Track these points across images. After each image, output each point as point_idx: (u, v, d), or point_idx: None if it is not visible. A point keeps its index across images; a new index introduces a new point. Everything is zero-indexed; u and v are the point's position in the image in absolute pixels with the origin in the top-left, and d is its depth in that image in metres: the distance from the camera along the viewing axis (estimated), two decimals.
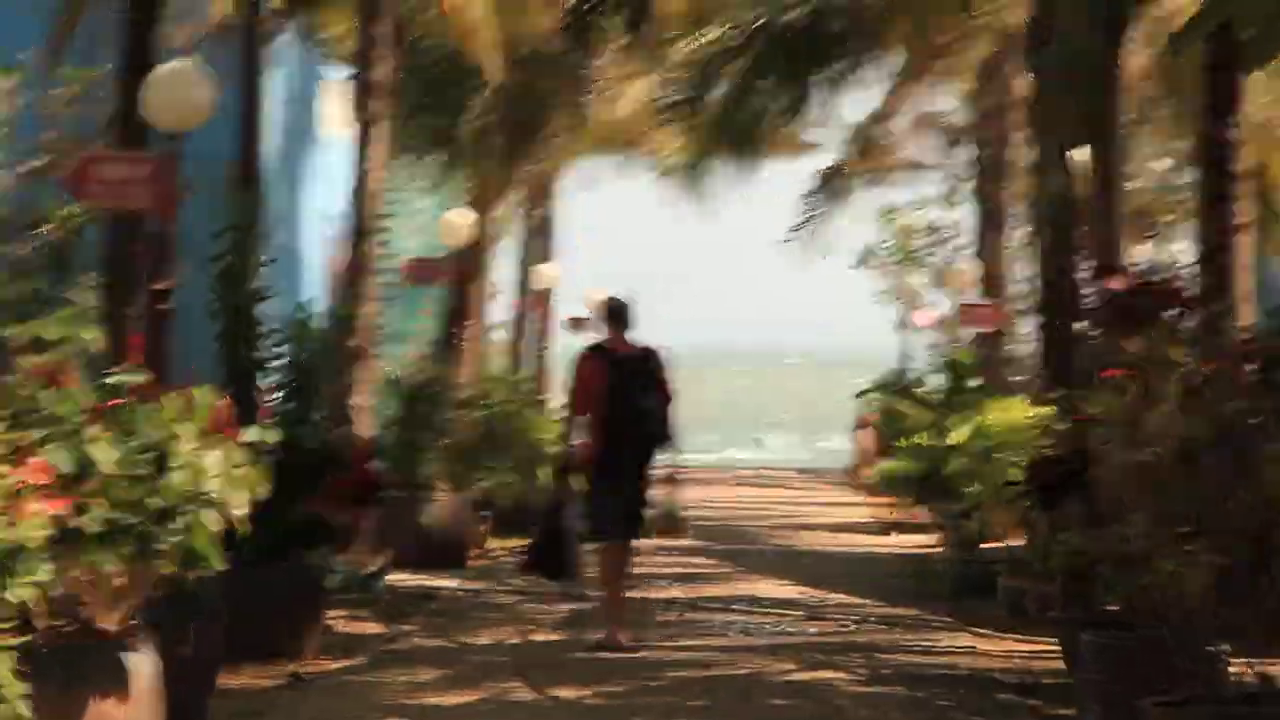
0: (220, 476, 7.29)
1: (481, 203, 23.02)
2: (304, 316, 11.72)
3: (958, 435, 13.48)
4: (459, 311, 22.49)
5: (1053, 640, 11.49)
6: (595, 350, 11.84)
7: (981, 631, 12.46)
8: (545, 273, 29.19)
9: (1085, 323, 15.01)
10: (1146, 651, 8.32)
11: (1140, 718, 7.26)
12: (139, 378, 7.76)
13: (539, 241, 30.81)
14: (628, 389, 11.52)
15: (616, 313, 11.89)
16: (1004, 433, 12.98)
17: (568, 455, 11.86)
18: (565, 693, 10.01)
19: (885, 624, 12.95)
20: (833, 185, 35.39)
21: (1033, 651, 11.63)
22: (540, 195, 29.02)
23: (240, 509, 7.46)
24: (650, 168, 28.52)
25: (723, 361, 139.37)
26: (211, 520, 7.28)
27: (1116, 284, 10.55)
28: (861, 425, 33.92)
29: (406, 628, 12.63)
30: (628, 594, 11.93)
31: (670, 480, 11.91)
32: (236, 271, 11.08)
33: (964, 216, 34.74)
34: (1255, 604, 7.26)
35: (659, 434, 11.60)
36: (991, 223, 28.24)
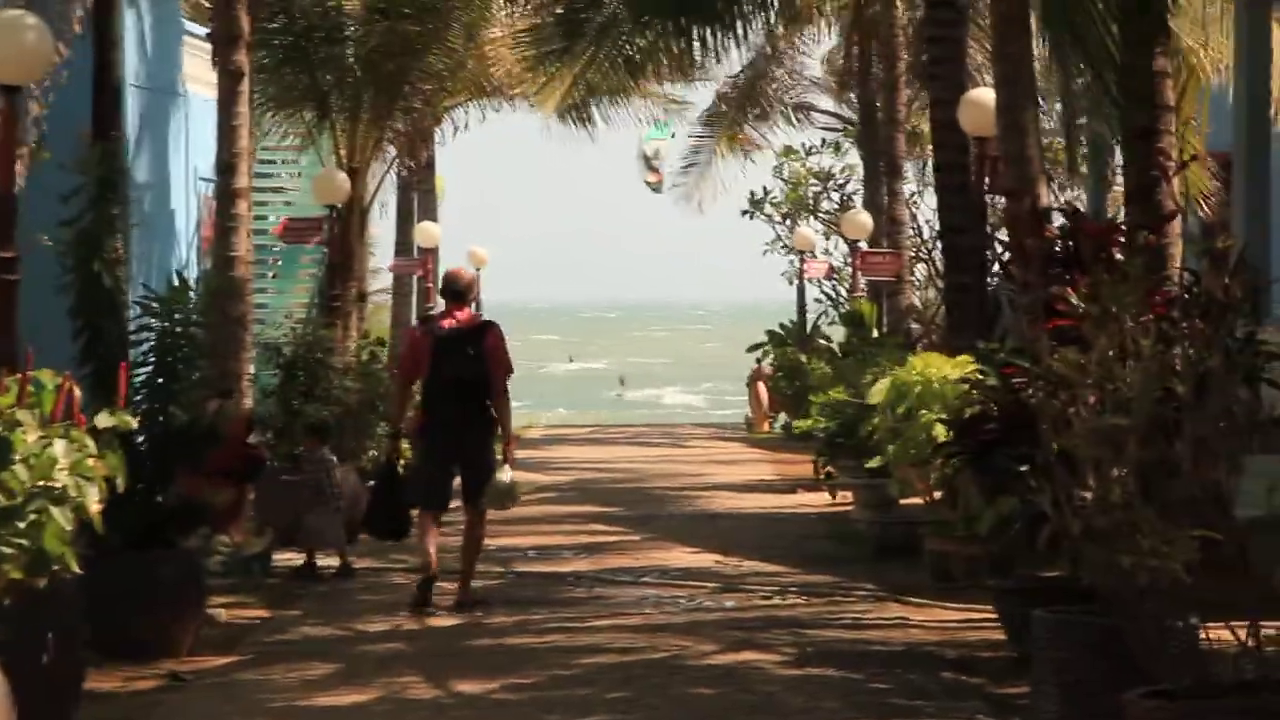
0: (69, 468, 6.34)
1: (354, 159, 21.99)
2: (171, 284, 10.64)
3: (877, 392, 12.70)
4: (338, 274, 21.48)
5: (985, 608, 10.80)
6: (424, 322, 12.64)
7: (909, 600, 11.72)
8: (427, 231, 28.25)
9: (1001, 270, 14.37)
10: (1108, 630, 7.60)
11: (1124, 710, 6.51)
12: None
13: (420, 199, 29.85)
14: (448, 362, 11.78)
15: (450, 287, 12.28)
16: (925, 389, 12.22)
17: (396, 422, 12.54)
18: (469, 687, 9.16)
19: (807, 594, 12.18)
20: (715, 127, 34.81)
21: (965, 620, 10.93)
22: (417, 149, 28.00)
23: (93, 502, 6.52)
24: (529, 115, 27.65)
25: (616, 318, 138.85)
26: (61, 517, 6.34)
27: (1049, 227, 9.81)
28: (756, 378, 33.29)
29: (294, 614, 11.73)
30: (475, 558, 11.97)
31: (506, 455, 11.98)
32: (92, 235, 10.06)
33: (856, 163, 34.28)
34: (1246, 574, 6.56)
35: (482, 409, 11.82)
36: (886, 169, 27.59)
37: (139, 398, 10.13)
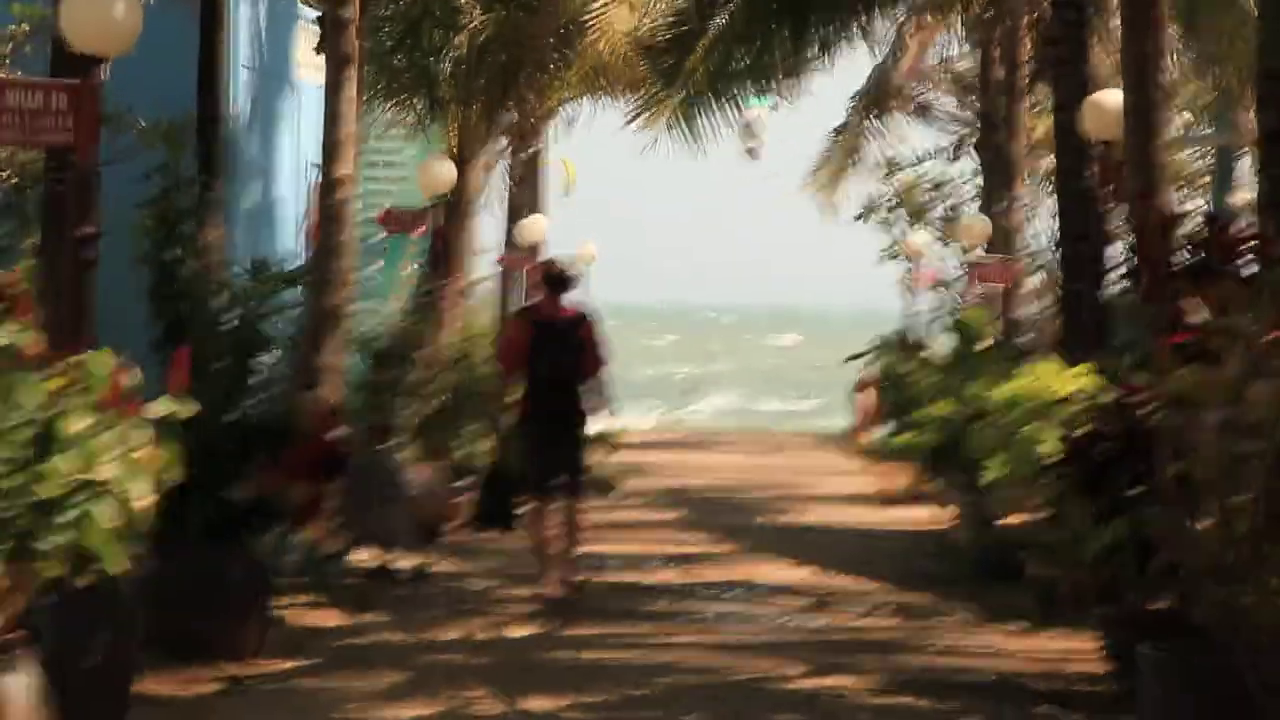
0: (117, 461, 5.94)
1: (463, 150, 21.63)
2: (254, 269, 10.26)
3: (987, 404, 12.11)
4: (439, 266, 21.14)
5: (1088, 638, 10.23)
6: (524, 313, 12.66)
7: (1008, 626, 11.15)
8: (532, 225, 27.81)
9: (1123, 281, 13.75)
10: (1219, 670, 7.05)
11: None
12: (27, 338, 6.41)
13: (526, 192, 29.45)
14: (548, 352, 11.90)
15: (550, 279, 12.36)
16: (1035, 404, 11.63)
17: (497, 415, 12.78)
18: (539, 704, 8.73)
19: (900, 615, 11.66)
20: (843, 137, 34.14)
21: (1066, 651, 10.35)
22: (526, 142, 27.62)
23: (143, 498, 6.12)
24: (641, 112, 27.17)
25: (709, 321, 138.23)
26: (106, 513, 5.95)
27: (1177, 236, 9.21)
28: (862, 387, 32.63)
29: (367, 619, 11.33)
30: (573, 551, 12.08)
31: (606, 445, 12.64)
32: (169, 218, 9.70)
33: (971, 170, 33.54)
34: None
35: (578, 397, 11.99)
36: (1001, 176, 26.90)
37: (210, 388, 9.74)
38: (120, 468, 6.19)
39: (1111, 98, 15.09)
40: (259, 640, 9.87)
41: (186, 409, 6.96)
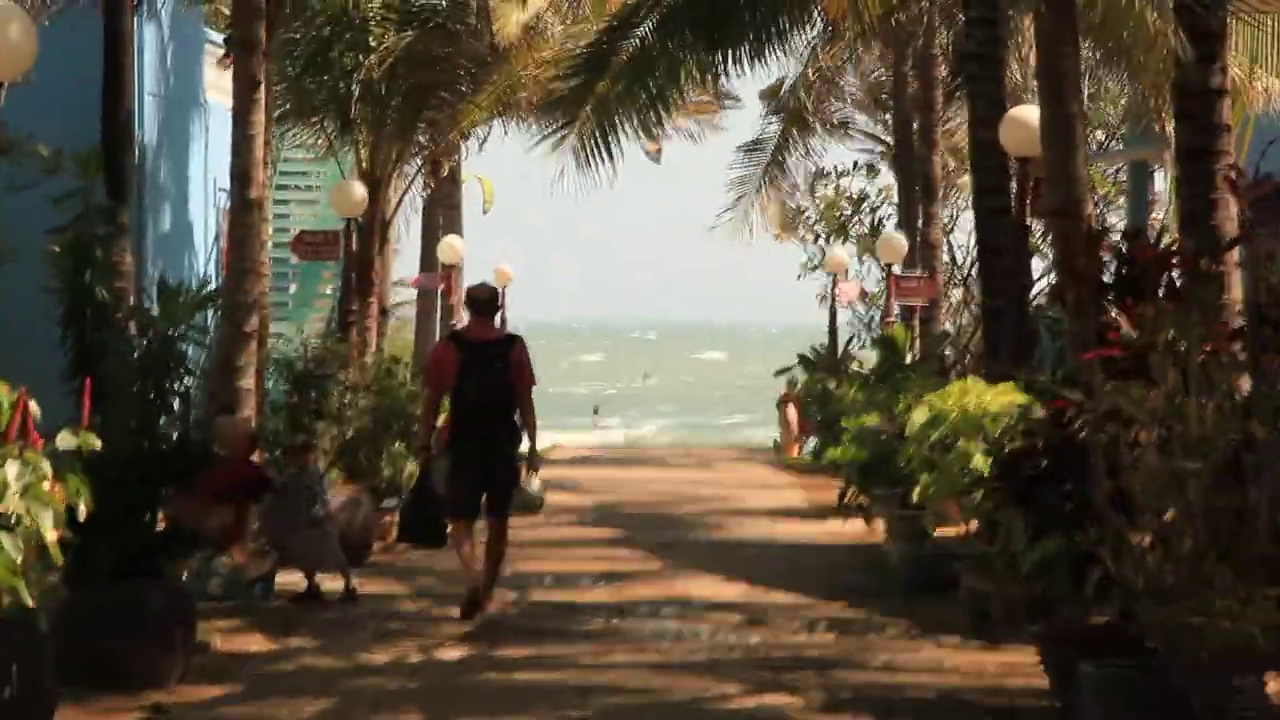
0: (21, 494, 5.71)
1: (376, 171, 21.43)
2: (161, 294, 10.01)
3: (913, 420, 12.03)
4: (357, 289, 20.91)
5: (1026, 651, 10.13)
6: (451, 337, 12.76)
7: (944, 640, 11.04)
8: (451, 246, 27.66)
9: (1044, 297, 13.72)
10: (1163, 689, 6.96)
11: None
12: None
13: (444, 213, 29.27)
14: (476, 374, 11.96)
15: (475, 300, 12.51)
16: (963, 418, 11.55)
17: (425, 434, 12.59)
18: None
19: (837, 630, 11.50)
20: (757, 154, 34.06)
21: (1006, 665, 10.23)
22: (442, 163, 27.43)
23: (50, 530, 5.88)
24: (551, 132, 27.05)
25: (633, 339, 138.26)
26: (11, 546, 5.70)
27: (1102, 250, 9.15)
28: (785, 402, 32.59)
29: (295, 643, 11.07)
30: (496, 573, 12.25)
31: (529, 465, 12.43)
32: (82, 244, 9.44)
33: (891, 185, 33.60)
34: None
35: (508, 420, 12.11)
36: (922, 191, 26.96)
37: (122, 415, 9.49)
38: (26, 501, 5.94)
39: (1029, 113, 15.07)
40: (182, 668, 9.61)
41: (91, 441, 6.72)
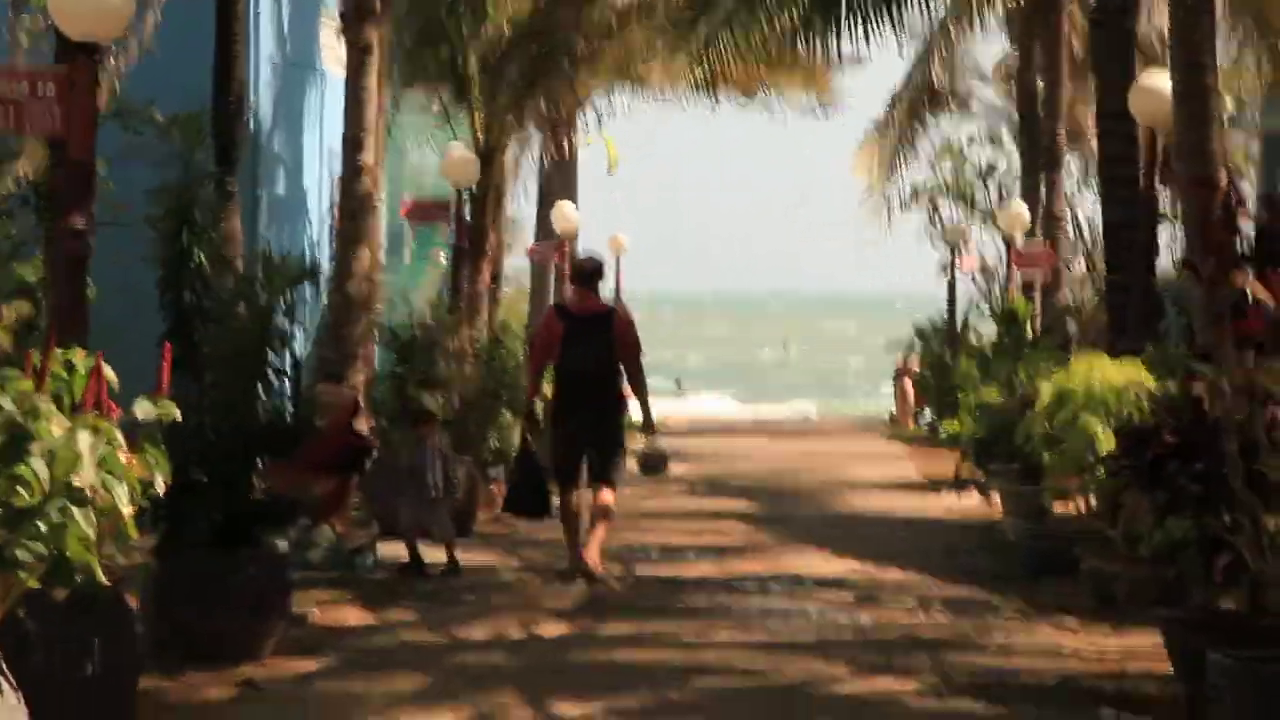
0: (96, 465, 5.46)
1: (490, 140, 21.14)
2: (267, 259, 9.76)
3: (1042, 396, 11.57)
4: (469, 258, 20.68)
5: (1150, 635, 9.72)
6: (557, 308, 12.89)
7: (1063, 623, 10.62)
8: (565, 215, 27.36)
9: (1184, 267, 13.20)
10: None
11: None
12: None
13: (558, 182, 28.99)
14: (579, 346, 12.05)
15: (581, 273, 12.64)
16: (1089, 394, 11.10)
17: (530, 404, 12.60)
18: (568, 709, 8.25)
19: (951, 611, 11.10)
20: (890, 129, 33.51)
21: (1127, 649, 9.82)
22: (558, 132, 27.14)
23: (126, 504, 5.64)
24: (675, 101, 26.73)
25: (747, 306, 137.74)
26: (84, 520, 5.47)
27: (1241, 220, 8.67)
28: (901, 374, 32.10)
29: (394, 616, 10.86)
30: (603, 538, 12.09)
31: (645, 429, 12.57)
32: (181, 206, 9.22)
33: (1014, 157, 32.94)
34: None
35: (611, 390, 12.16)
36: (1045, 161, 26.33)
37: (221, 383, 9.28)
38: (100, 473, 5.69)
39: (1160, 81, 14.53)
40: (277, 639, 9.41)
41: (170, 410, 6.47)
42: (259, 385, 9.48)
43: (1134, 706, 8.36)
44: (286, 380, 9.99)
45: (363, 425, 13.56)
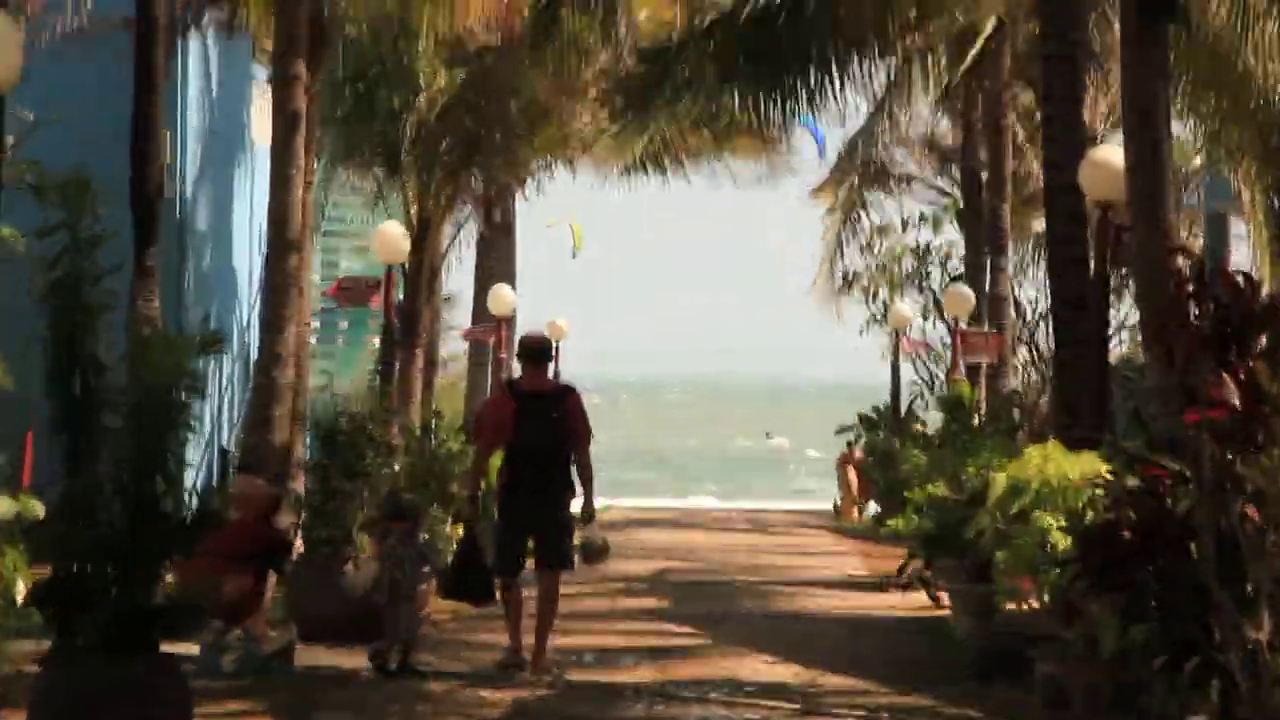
0: None
1: (423, 216, 20.61)
2: (154, 341, 9.03)
3: (994, 489, 11.02)
4: (400, 338, 20.07)
5: None
6: (508, 385, 12.47)
7: None
8: (501, 297, 26.81)
9: (1142, 347, 12.72)
10: None
11: None
12: None
13: (495, 260, 28.46)
14: (533, 425, 11.77)
15: (529, 351, 12.30)
16: (1044, 488, 10.56)
17: (475, 486, 12.34)
18: None
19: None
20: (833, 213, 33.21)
21: None
22: (493, 209, 26.64)
23: None
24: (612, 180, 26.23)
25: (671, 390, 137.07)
26: None
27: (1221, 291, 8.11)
28: (845, 462, 31.53)
29: None
30: (547, 630, 11.99)
31: (584, 516, 12.15)
32: (67, 284, 8.56)
33: (957, 239, 32.63)
34: None
35: (562, 473, 11.91)
36: (990, 243, 25.97)
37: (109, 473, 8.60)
38: None
39: (1111, 153, 14.13)
40: None
41: (32, 508, 5.83)
42: (158, 475, 8.75)
43: None
44: (192, 469, 9.24)
45: (282, 520, 12.90)
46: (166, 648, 9.02)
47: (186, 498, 8.81)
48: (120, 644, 8.44)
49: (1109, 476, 9.88)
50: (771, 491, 47.02)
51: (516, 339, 28.01)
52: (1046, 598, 11.02)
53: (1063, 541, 10.36)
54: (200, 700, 10.20)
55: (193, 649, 11.30)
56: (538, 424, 11.82)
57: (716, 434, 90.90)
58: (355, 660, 12.32)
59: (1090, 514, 10.35)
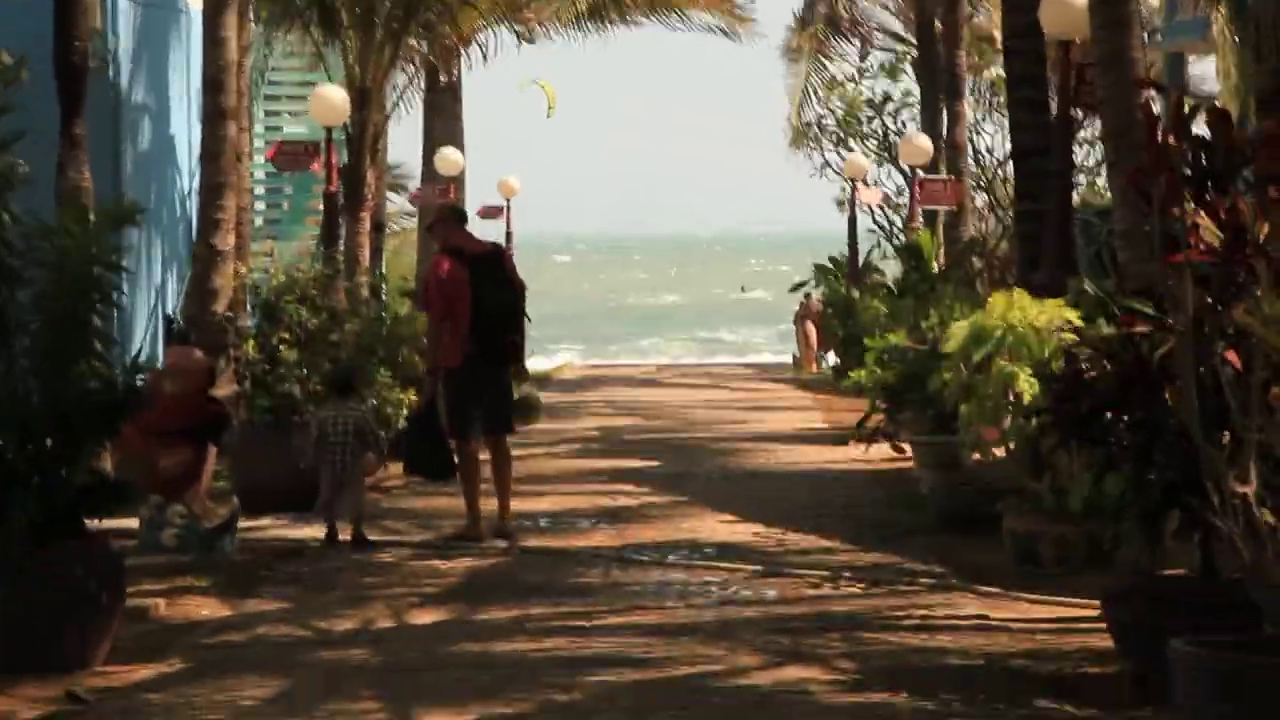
0: None
1: (367, 80, 19.93)
2: (77, 203, 8.52)
3: (952, 338, 10.62)
4: (345, 203, 19.50)
5: (1083, 603, 8.85)
6: (451, 253, 11.72)
7: (987, 590, 9.69)
8: (449, 158, 26.19)
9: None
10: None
11: None
12: None
13: (442, 123, 27.78)
14: (488, 291, 11.51)
15: (459, 213, 12.30)
16: (1009, 336, 10.15)
17: (434, 357, 11.75)
18: (435, 719, 7.22)
19: (862, 580, 10.16)
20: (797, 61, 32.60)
21: (1060, 621, 8.91)
22: (439, 69, 25.95)
23: None
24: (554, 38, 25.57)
25: (636, 250, 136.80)
26: None
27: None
28: (803, 316, 31.20)
29: (251, 607, 9.78)
30: (508, 492, 11.79)
31: (522, 374, 12.27)
32: None
33: (912, 87, 32.05)
34: None
35: (516, 330, 11.71)
36: (946, 89, 25.45)
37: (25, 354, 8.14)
38: None
39: None
40: (111, 644, 8.30)
41: None
42: (76, 351, 8.28)
43: (1075, 691, 7.41)
44: (115, 343, 8.75)
45: (221, 391, 12.45)
46: (106, 525, 8.68)
47: (122, 372, 8.34)
48: (47, 528, 8.02)
49: (1078, 323, 9.52)
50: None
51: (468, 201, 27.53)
52: (1014, 447, 10.69)
53: (1029, 391, 9.99)
54: (140, 578, 9.93)
55: (133, 525, 10.92)
56: (493, 285, 11.56)
57: (691, 290, 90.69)
58: (302, 532, 11.95)
59: (1057, 363, 9.98)
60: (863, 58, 32.88)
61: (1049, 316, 10.17)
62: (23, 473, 8.01)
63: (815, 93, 32.92)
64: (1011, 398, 10.36)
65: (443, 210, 12.58)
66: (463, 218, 12.26)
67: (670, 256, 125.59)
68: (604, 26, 22.36)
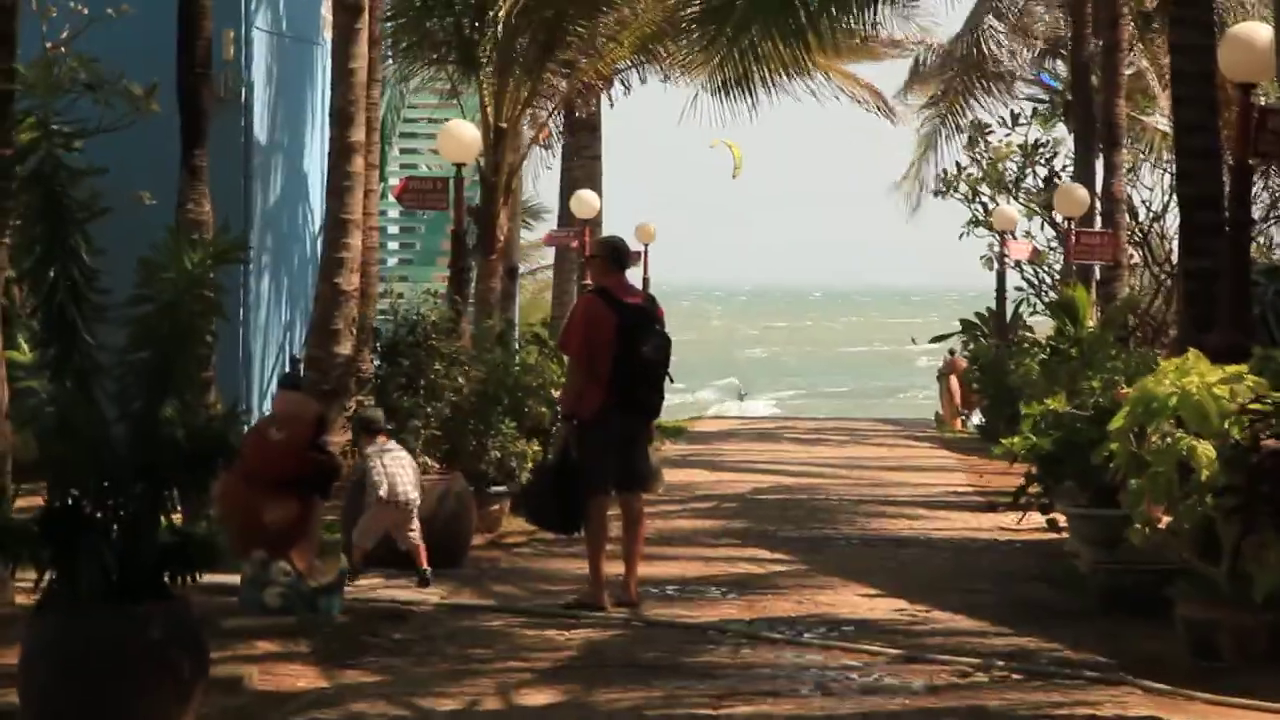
0: None
1: (503, 117, 19.28)
2: (171, 244, 7.79)
3: (1123, 411, 9.63)
4: (478, 244, 18.89)
5: (1269, 705, 7.89)
6: (601, 295, 11.05)
7: (1158, 687, 8.73)
8: (584, 201, 25.53)
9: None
10: None
11: None
12: None
13: (579, 165, 27.16)
14: (635, 337, 10.84)
15: (617, 252, 11.28)
16: (1187, 407, 9.18)
17: (572, 404, 11.01)
18: None
19: (1019, 669, 9.22)
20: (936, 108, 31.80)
21: None
22: (579, 110, 25.32)
23: None
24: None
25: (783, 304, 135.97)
26: None
27: None
28: (948, 372, 30.22)
29: (350, 678, 9.04)
30: (637, 555, 11.10)
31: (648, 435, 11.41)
32: (51, 185, 7.35)
33: (1063, 138, 31.01)
34: None
35: (659, 387, 11.07)
36: (1104, 138, 24.40)
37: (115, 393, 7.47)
38: None
39: (1256, 30, 12.71)
40: (196, 716, 7.59)
41: None
42: (175, 395, 7.58)
43: None
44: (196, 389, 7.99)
45: (331, 441, 11.80)
46: (207, 579, 8.02)
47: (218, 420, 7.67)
48: (126, 588, 7.34)
49: (1274, 394, 8.58)
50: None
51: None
52: (1186, 526, 9.71)
53: (1208, 467, 9.03)
54: (233, 643, 9.31)
55: (235, 581, 10.28)
56: (643, 338, 10.87)
57: (832, 341, 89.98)
58: (413, 593, 11.24)
59: (1240, 433, 9.05)
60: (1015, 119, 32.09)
61: (1232, 385, 9.20)
62: (101, 526, 7.33)
63: (939, 144, 32.27)
64: (1186, 473, 9.39)
65: (602, 246, 11.53)
66: (620, 259, 11.31)
67: (805, 306, 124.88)
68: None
